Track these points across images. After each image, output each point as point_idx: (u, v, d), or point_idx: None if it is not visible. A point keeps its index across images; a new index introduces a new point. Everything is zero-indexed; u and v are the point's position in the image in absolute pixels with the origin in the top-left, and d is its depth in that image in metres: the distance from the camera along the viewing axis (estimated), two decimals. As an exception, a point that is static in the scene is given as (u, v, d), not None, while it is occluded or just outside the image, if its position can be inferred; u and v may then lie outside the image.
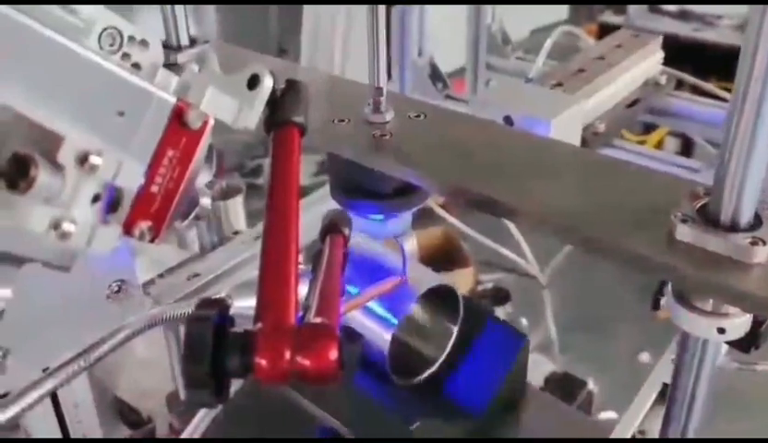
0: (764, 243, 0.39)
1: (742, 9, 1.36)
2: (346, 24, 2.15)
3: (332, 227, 0.44)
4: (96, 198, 0.30)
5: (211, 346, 0.31)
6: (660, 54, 0.97)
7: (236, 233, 0.83)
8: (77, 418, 0.76)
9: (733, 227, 0.40)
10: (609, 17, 1.50)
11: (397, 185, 0.54)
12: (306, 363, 0.31)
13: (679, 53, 0.99)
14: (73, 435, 0.76)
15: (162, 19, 0.67)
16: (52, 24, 0.29)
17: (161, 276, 0.74)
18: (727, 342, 0.44)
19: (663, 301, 0.61)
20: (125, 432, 0.84)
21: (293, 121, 0.39)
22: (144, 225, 0.34)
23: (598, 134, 0.84)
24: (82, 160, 0.28)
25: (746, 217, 0.40)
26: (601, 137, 0.84)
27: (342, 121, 0.55)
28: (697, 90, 0.97)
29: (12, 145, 0.28)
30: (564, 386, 0.89)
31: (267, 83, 0.37)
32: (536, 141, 0.58)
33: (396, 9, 1.00)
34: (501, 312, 1.09)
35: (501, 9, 1.18)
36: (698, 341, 0.43)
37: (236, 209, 0.95)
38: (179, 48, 0.68)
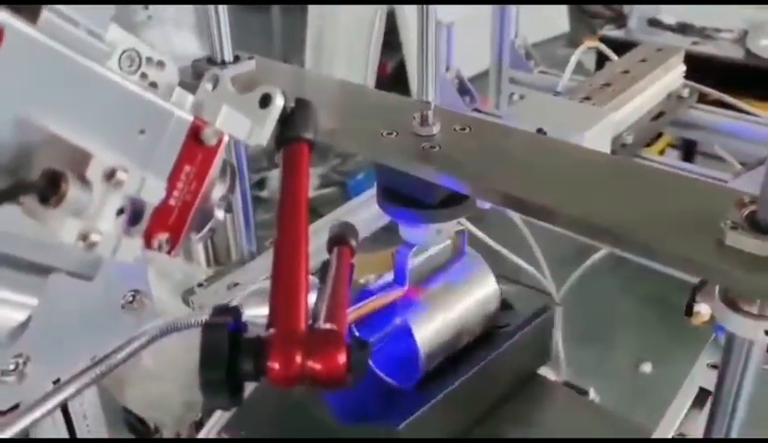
0: (810, 247, 0.41)
1: (740, 23, 1.38)
2: (349, 37, 2.18)
3: (340, 239, 0.46)
4: (120, 212, 0.32)
5: (227, 352, 0.34)
6: (682, 68, 1.02)
7: (272, 241, 0.86)
8: (86, 428, 0.78)
9: None
10: (610, 30, 1.52)
11: (443, 196, 0.57)
12: (317, 367, 0.34)
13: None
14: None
15: (208, 36, 0.72)
16: (81, 49, 0.32)
17: (200, 285, 0.77)
18: None
19: (697, 307, 0.64)
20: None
21: (302, 137, 0.42)
22: (162, 237, 0.37)
23: (626, 145, 0.88)
24: (109, 176, 0.31)
25: None
26: (628, 149, 0.88)
27: (391, 134, 0.58)
28: (716, 103, 1.01)
29: (44, 162, 0.30)
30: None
31: (278, 102, 0.40)
32: (578, 150, 0.61)
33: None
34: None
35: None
36: (743, 343, 0.45)
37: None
38: (224, 63, 0.73)
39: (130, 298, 0.49)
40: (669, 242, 0.45)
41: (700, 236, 0.44)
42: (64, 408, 0.76)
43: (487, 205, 0.59)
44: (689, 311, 0.72)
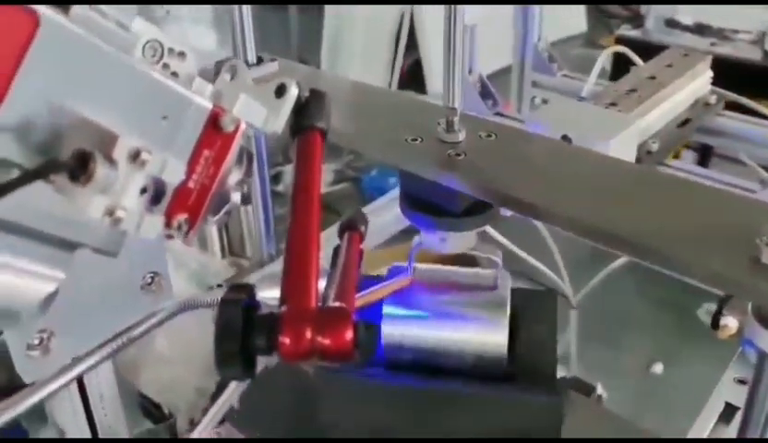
0: None
1: (759, 24, 1.39)
2: (367, 37, 2.21)
3: (350, 225, 0.48)
4: (143, 191, 0.34)
5: (241, 326, 0.36)
6: (709, 74, 1.02)
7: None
8: (103, 410, 0.81)
9: None
10: (627, 30, 1.53)
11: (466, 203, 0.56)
12: (326, 342, 0.36)
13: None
14: (99, 425, 0.81)
15: (232, 39, 0.75)
16: (109, 39, 0.34)
17: (219, 286, 0.82)
18: None
19: (724, 320, 0.64)
20: (146, 425, 0.89)
21: (316, 126, 0.44)
22: (181, 217, 0.39)
23: (651, 153, 0.87)
24: (134, 156, 0.33)
25: None
26: (654, 157, 0.88)
27: (416, 140, 0.58)
28: (736, 107, 1.01)
29: (73, 143, 0.33)
30: (575, 389, 0.92)
31: (292, 92, 0.42)
32: (603, 159, 0.60)
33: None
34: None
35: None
36: None
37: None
38: (247, 65, 0.74)
39: (149, 280, 0.51)
40: (702, 257, 0.45)
41: (733, 252, 0.44)
42: (81, 390, 0.79)
43: (509, 212, 0.58)
44: (715, 324, 0.73)
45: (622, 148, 0.79)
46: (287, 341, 0.36)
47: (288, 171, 1.60)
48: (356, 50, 2.23)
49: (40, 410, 0.89)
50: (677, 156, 1.53)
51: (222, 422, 0.69)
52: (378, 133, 0.63)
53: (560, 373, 0.98)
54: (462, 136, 0.58)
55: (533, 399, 0.55)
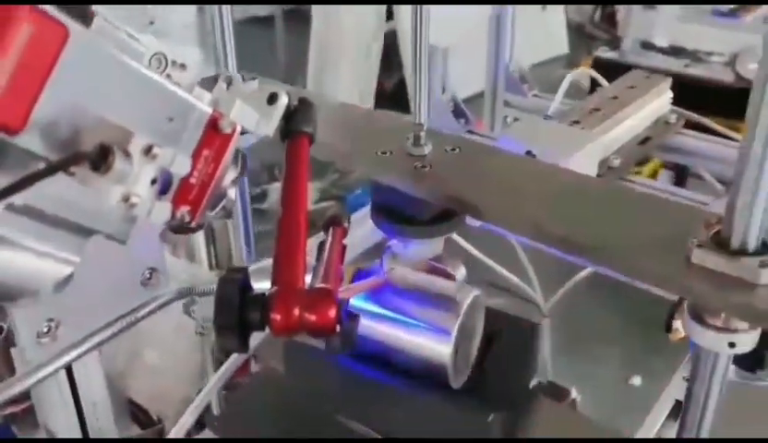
0: (771, 265, 0.46)
1: (731, 46, 1.47)
2: (351, 56, 2.28)
3: (334, 220, 0.54)
4: (154, 181, 0.41)
5: (237, 301, 0.42)
6: (669, 94, 1.09)
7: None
8: (95, 415, 0.86)
9: (742, 251, 0.47)
10: (604, 52, 1.60)
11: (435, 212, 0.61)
12: (312, 318, 0.42)
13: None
14: (90, 430, 0.85)
15: (214, 58, 0.82)
16: (124, 49, 0.41)
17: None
18: (735, 364, 0.51)
19: (675, 324, 0.69)
20: (136, 431, 0.94)
21: (303, 131, 0.51)
22: (184, 209, 0.45)
23: (613, 168, 0.94)
24: (147, 150, 0.39)
25: (754, 242, 0.47)
26: (615, 172, 0.94)
27: (386, 153, 0.64)
28: (699, 127, 1.08)
29: (93, 138, 0.39)
30: (550, 393, 0.98)
31: (283, 99, 0.49)
32: (561, 172, 0.66)
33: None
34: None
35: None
36: (709, 355, 0.49)
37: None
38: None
39: (148, 275, 0.57)
40: (643, 259, 0.50)
41: (671, 255, 0.49)
42: (75, 397, 0.84)
43: (478, 222, 0.62)
44: (668, 328, 0.79)
45: (583, 162, 0.85)
46: (278, 317, 0.41)
47: (273, 189, 1.66)
48: (342, 68, 2.30)
49: (31, 416, 0.94)
50: (654, 176, 1.61)
51: (202, 427, 0.74)
52: (352, 146, 0.69)
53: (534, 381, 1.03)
54: (428, 149, 0.64)
55: (461, 410, 0.59)
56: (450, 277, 0.61)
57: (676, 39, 1.52)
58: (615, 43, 1.77)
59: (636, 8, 1.53)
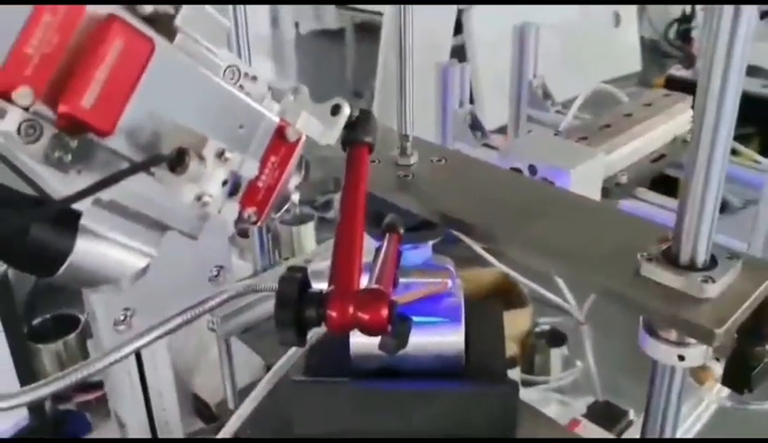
0: (714, 281, 0.47)
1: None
2: (419, 70, 2.30)
3: (392, 227, 0.58)
4: (225, 182, 0.44)
5: (296, 298, 0.45)
6: (689, 113, 1.09)
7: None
8: (161, 405, 0.91)
9: (691, 267, 0.48)
10: (677, 70, 1.59)
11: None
12: (365, 317, 0.44)
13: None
14: (157, 421, 0.90)
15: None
16: (203, 62, 0.44)
17: None
18: (724, 385, 0.51)
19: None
20: (198, 424, 0.98)
21: (364, 140, 0.53)
22: (251, 210, 0.49)
23: (620, 185, 0.96)
24: (219, 154, 0.43)
25: (701, 258, 0.48)
26: (622, 188, 0.96)
27: (374, 161, 0.66)
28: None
29: (171, 143, 0.42)
30: (606, 414, 0.98)
31: (345, 110, 0.51)
32: (538, 186, 0.69)
33: (439, 65, 1.19)
34: (558, 354, 1.15)
35: (576, 60, 1.30)
36: (666, 368, 0.50)
37: (308, 234, 1.12)
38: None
39: (215, 272, 0.61)
40: (592, 270, 0.52)
41: (622, 267, 0.50)
42: (144, 386, 0.89)
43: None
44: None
45: (585, 178, 0.87)
46: (334, 314, 0.43)
47: (338, 199, 1.68)
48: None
49: (104, 405, 1.00)
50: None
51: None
52: (340, 155, 0.72)
53: (590, 397, 1.03)
54: (413, 159, 0.67)
55: (489, 389, 0.64)
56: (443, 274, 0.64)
57: (752, 58, 1.49)
58: (689, 61, 1.76)
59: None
